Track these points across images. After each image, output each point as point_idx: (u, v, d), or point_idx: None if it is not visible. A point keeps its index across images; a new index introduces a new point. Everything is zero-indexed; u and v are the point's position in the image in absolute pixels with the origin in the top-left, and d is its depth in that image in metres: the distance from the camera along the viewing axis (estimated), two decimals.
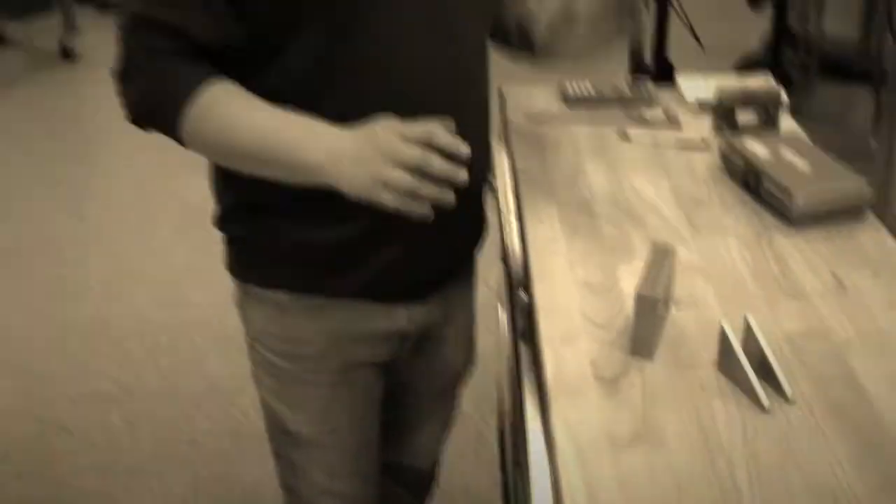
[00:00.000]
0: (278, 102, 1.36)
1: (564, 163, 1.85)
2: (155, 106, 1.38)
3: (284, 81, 1.38)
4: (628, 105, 2.07)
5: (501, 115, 2.05)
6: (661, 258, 1.34)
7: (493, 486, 2.59)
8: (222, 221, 1.58)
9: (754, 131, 1.86)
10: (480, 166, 1.59)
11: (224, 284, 1.65)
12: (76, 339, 3.31)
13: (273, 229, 1.49)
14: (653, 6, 3.98)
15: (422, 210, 1.27)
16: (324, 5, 1.34)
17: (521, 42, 1.70)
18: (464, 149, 1.26)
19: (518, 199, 1.75)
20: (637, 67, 4.20)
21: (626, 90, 2.11)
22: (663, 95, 2.11)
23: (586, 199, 1.71)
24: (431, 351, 1.77)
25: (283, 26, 1.35)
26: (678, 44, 4.07)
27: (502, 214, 1.92)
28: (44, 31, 5.90)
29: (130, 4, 1.37)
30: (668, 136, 1.94)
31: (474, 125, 1.51)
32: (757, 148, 1.72)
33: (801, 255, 1.52)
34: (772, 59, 4.62)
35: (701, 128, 1.96)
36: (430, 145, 1.26)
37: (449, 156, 1.26)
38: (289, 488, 1.77)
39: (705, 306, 1.39)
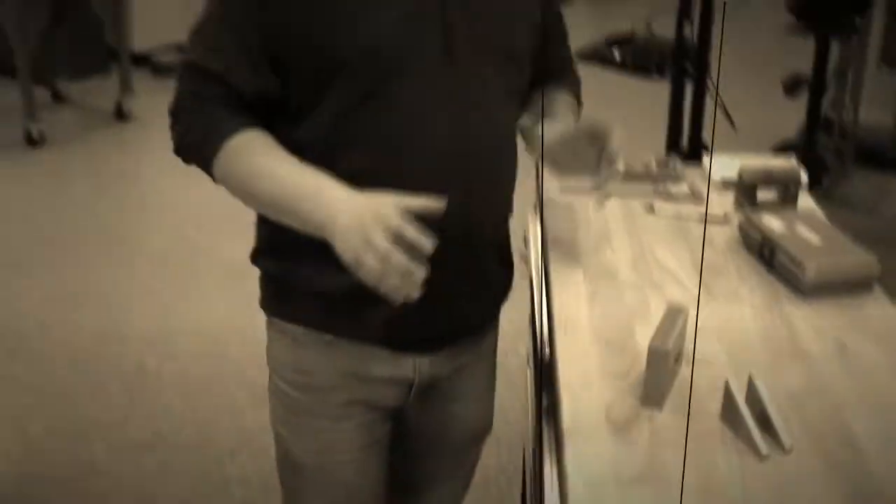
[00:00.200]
0: (305, 153, 1.51)
1: (592, 232, 1.96)
2: (194, 144, 1.55)
3: (311, 135, 1.53)
4: (656, 181, 2.18)
5: (537, 186, 2.16)
6: (675, 317, 1.44)
7: None
8: (255, 256, 1.72)
9: (773, 208, 1.96)
10: (495, 231, 1.70)
11: (262, 341, 1.78)
12: (117, 386, 3.42)
13: (295, 268, 1.60)
14: (691, 88, 4.11)
15: (396, 292, 1.37)
16: (350, 72, 1.48)
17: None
18: (427, 247, 1.35)
19: (546, 263, 1.86)
20: (673, 147, 4.32)
21: (655, 167, 2.22)
22: (690, 173, 2.22)
23: (610, 265, 1.82)
24: (439, 404, 1.83)
25: (313, 86, 1.50)
26: (716, 127, 4.17)
27: (533, 277, 2.03)
28: (101, 91, 6.12)
29: (189, 52, 1.54)
30: (691, 210, 2.05)
31: (492, 192, 1.63)
32: (774, 223, 1.82)
33: (809, 322, 1.62)
34: (807, 145, 4.72)
35: (724, 204, 2.07)
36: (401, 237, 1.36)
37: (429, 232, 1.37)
38: None
39: (714, 364, 1.50)
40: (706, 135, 4.18)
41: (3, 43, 5.72)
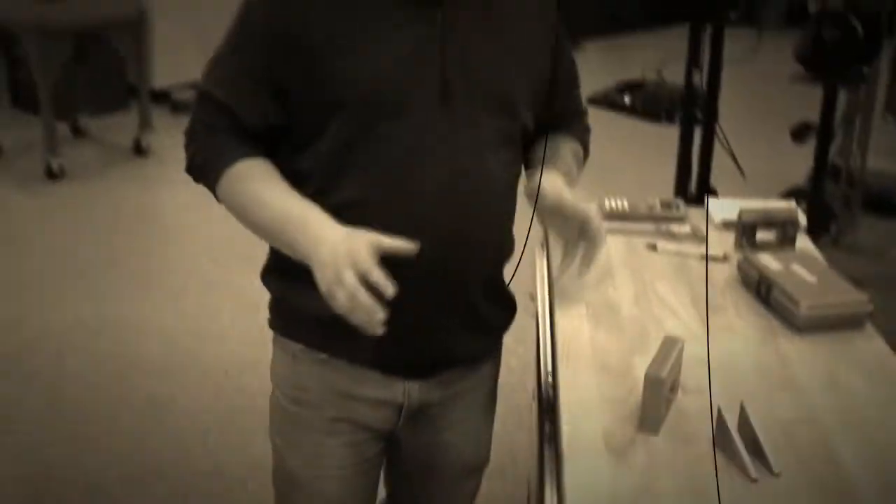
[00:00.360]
0: (305, 183, 1.62)
1: (596, 268, 2.02)
2: (201, 168, 1.69)
3: (310, 166, 1.63)
4: (660, 221, 2.25)
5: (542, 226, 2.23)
6: (671, 348, 1.51)
7: None
8: (264, 274, 1.81)
9: (771, 248, 2.03)
10: (486, 268, 1.76)
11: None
12: (130, 415, 3.49)
13: (295, 288, 1.68)
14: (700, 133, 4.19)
15: (363, 325, 1.47)
16: (347, 111, 1.58)
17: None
18: (388, 292, 1.45)
19: (552, 297, 1.92)
20: (681, 191, 4.39)
21: (659, 208, 2.29)
22: (693, 214, 2.29)
23: (613, 299, 1.89)
24: (430, 431, 1.88)
25: (313, 121, 1.61)
26: (724, 172, 4.25)
27: (538, 311, 2.10)
28: (121, 127, 6.23)
29: (203, 82, 1.68)
30: (692, 249, 2.12)
31: (481, 231, 1.69)
32: (771, 262, 1.89)
33: (801, 355, 1.69)
34: (815, 191, 4.78)
35: (724, 244, 2.14)
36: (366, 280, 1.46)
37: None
38: None
39: (707, 393, 1.56)
40: (714, 179, 4.26)
41: (27, 78, 5.85)
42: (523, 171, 1.81)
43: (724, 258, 2.07)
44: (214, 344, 3.98)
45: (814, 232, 2.16)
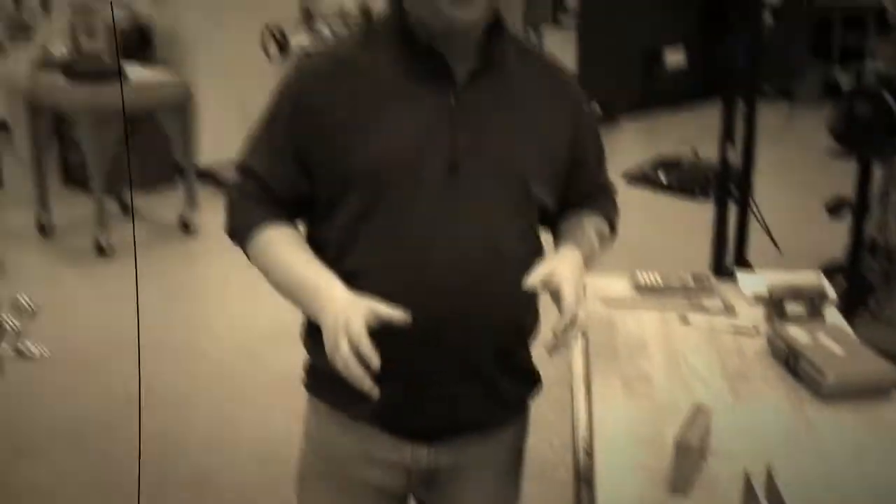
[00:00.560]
0: (324, 249, 1.75)
1: (630, 340, 2.10)
2: (235, 230, 1.83)
3: (328, 235, 1.76)
4: (691, 295, 2.32)
5: None
6: (699, 415, 1.58)
7: None
8: (301, 334, 1.90)
9: (801, 321, 2.09)
10: (500, 340, 1.79)
11: None
12: (177, 488, 3.56)
13: (320, 350, 1.70)
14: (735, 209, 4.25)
15: (360, 387, 1.56)
16: (360, 186, 1.69)
17: None
18: (374, 364, 1.54)
19: (588, 369, 2.00)
20: (717, 266, 4.44)
21: (691, 282, 2.36)
22: (724, 288, 2.36)
23: (646, 370, 1.96)
24: (445, 497, 1.91)
25: (331, 194, 1.74)
26: (761, 247, 4.30)
27: (573, 384, 2.17)
28: (167, 204, 6.41)
29: (242, 154, 1.83)
30: (723, 322, 2.19)
31: (490, 304, 1.73)
32: (799, 334, 1.96)
33: (828, 423, 1.75)
34: (852, 266, 4.81)
35: (754, 317, 2.20)
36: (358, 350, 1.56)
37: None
38: None
39: (737, 458, 1.62)
40: (751, 254, 4.31)
41: (77, 157, 6.02)
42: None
43: (755, 331, 2.13)
44: (258, 416, 4.05)
45: (852, 306, 2.21)
